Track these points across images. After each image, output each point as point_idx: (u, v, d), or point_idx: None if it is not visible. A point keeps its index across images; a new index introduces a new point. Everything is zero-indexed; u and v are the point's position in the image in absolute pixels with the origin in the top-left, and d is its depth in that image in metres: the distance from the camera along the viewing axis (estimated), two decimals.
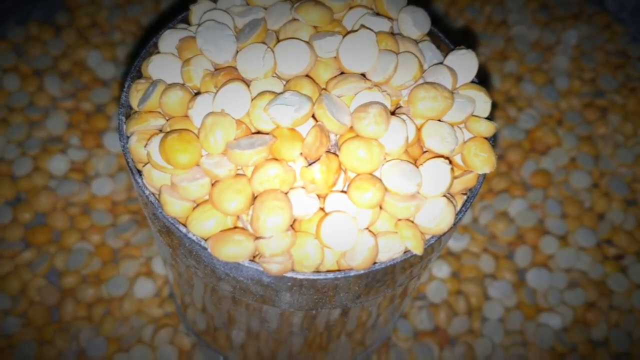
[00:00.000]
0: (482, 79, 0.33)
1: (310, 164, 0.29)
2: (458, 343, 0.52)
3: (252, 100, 0.29)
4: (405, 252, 0.29)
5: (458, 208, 0.31)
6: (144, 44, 0.62)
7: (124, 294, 0.51)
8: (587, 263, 0.55)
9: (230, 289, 0.32)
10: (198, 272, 0.32)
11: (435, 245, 0.31)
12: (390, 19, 0.34)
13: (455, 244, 0.55)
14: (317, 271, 0.29)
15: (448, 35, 0.37)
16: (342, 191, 0.29)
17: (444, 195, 0.30)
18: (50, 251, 0.52)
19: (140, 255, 0.53)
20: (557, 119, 0.63)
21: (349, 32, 0.32)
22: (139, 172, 0.31)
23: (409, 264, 0.31)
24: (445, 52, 0.35)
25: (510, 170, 0.59)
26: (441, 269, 0.54)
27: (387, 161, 0.29)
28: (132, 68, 0.34)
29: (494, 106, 0.33)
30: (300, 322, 0.36)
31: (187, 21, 0.35)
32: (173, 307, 0.51)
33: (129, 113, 0.33)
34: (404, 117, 0.30)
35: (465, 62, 0.33)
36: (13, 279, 0.51)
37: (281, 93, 0.29)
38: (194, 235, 0.29)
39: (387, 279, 0.31)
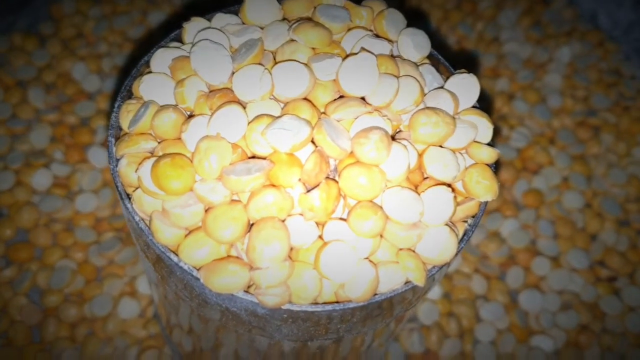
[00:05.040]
0: (480, 99, 0.33)
1: (309, 191, 0.28)
2: None
3: (249, 123, 0.28)
4: (406, 283, 0.28)
5: (459, 237, 0.30)
6: (131, 57, 0.61)
7: (108, 314, 0.49)
8: (579, 285, 0.55)
9: (220, 318, 0.31)
10: (187, 301, 0.31)
11: (436, 276, 0.30)
12: (390, 41, 0.33)
13: None
14: (315, 303, 0.28)
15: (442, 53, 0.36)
16: (341, 218, 0.28)
17: (446, 224, 0.29)
18: (32, 269, 0.51)
19: (124, 274, 0.51)
20: (550, 137, 0.62)
21: (348, 55, 0.31)
22: (129, 196, 0.29)
23: (408, 295, 0.30)
24: (445, 74, 0.34)
25: (502, 190, 0.59)
26: (432, 290, 0.53)
27: (388, 188, 0.28)
28: (123, 87, 0.32)
29: None
30: (291, 350, 0.35)
31: (179, 39, 0.34)
32: (157, 328, 0.49)
33: (118, 135, 0.31)
34: (404, 142, 0.29)
35: (466, 86, 0.32)
36: None
37: (279, 117, 0.28)
38: (185, 264, 0.28)
39: (384, 310, 0.30)
